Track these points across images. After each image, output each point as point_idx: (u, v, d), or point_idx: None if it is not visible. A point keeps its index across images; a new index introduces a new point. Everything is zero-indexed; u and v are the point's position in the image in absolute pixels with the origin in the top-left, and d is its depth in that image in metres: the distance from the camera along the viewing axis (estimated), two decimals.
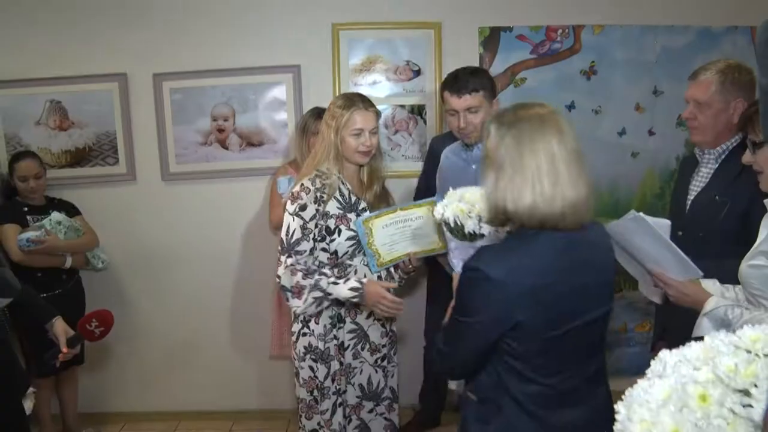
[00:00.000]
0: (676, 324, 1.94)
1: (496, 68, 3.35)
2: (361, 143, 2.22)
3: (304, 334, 2.32)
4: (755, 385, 0.75)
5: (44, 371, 2.90)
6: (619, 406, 0.86)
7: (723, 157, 2.04)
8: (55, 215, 3.09)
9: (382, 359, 2.41)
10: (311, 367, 2.31)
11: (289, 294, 2.20)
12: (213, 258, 3.49)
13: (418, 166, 3.36)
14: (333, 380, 2.32)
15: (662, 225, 1.86)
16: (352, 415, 2.38)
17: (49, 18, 3.28)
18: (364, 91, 3.39)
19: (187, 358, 3.57)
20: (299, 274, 2.17)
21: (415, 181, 3.34)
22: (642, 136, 3.46)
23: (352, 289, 2.15)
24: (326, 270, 2.23)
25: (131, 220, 3.45)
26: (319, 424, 2.33)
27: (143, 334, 3.50)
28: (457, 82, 2.40)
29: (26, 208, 3.10)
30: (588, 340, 1.48)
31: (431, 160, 3.26)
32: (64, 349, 1.95)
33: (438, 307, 3.30)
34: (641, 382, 0.86)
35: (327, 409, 2.32)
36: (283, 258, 2.22)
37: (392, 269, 2.43)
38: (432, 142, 3.32)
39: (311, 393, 2.33)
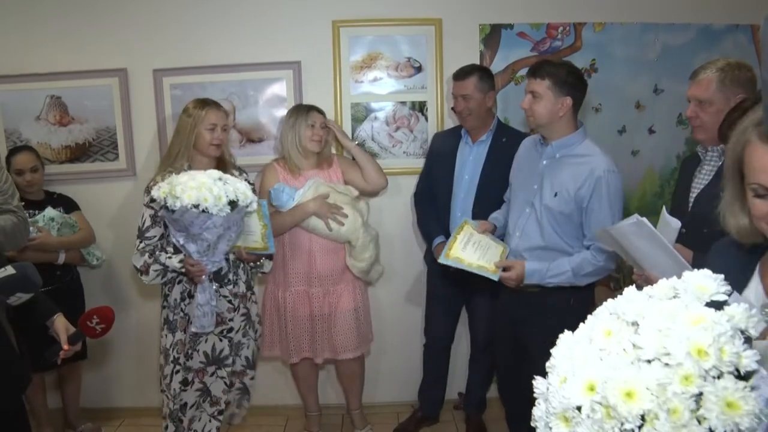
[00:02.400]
0: None
1: (496, 65, 3.35)
2: (214, 137, 2.70)
3: (164, 307, 2.75)
4: (643, 317, 0.89)
5: (39, 366, 2.88)
6: (553, 349, 0.98)
7: None
8: (49, 211, 3.07)
9: (228, 331, 2.76)
10: (165, 335, 2.73)
11: (139, 272, 2.65)
12: None
13: (419, 163, 3.36)
14: (174, 349, 2.69)
15: (672, 224, 1.86)
16: (195, 378, 2.73)
17: (49, 13, 3.27)
18: (365, 87, 3.39)
19: None
20: (146, 255, 2.63)
21: (415, 178, 3.34)
22: (642, 135, 3.46)
23: (180, 261, 2.58)
24: (169, 248, 2.64)
25: (131, 215, 3.42)
26: (167, 384, 2.73)
27: (143, 330, 3.49)
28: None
29: (23, 203, 3.07)
30: None
31: (432, 156, 3.27)
32: (65, 347, 1.94)
33: (437, 306, 3.31)
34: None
35: (167, 375, 2.71)
36: (137, 242, 2.66)
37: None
38: (433, 138, 3.33)
39: (161, 359, 2.76)
